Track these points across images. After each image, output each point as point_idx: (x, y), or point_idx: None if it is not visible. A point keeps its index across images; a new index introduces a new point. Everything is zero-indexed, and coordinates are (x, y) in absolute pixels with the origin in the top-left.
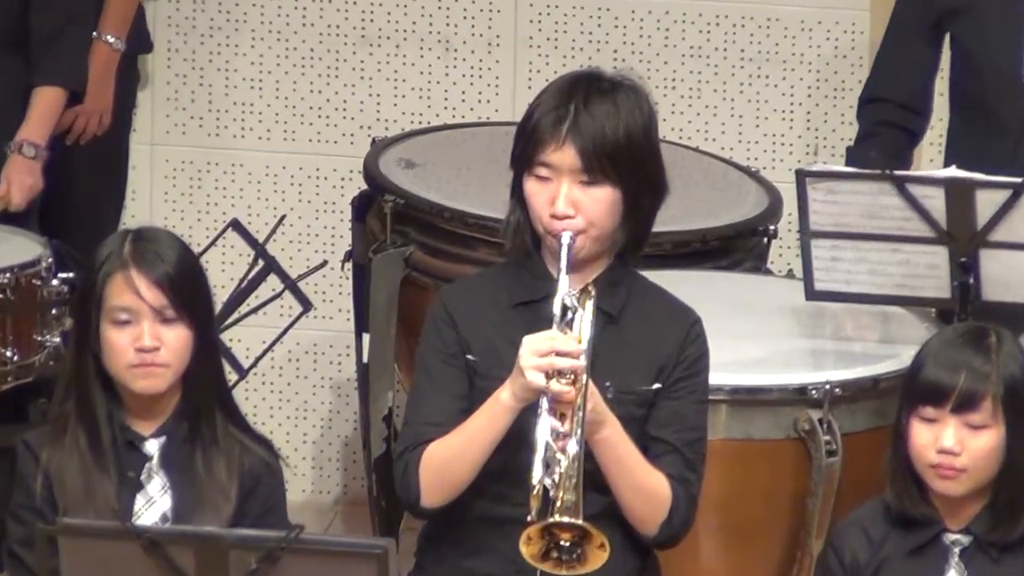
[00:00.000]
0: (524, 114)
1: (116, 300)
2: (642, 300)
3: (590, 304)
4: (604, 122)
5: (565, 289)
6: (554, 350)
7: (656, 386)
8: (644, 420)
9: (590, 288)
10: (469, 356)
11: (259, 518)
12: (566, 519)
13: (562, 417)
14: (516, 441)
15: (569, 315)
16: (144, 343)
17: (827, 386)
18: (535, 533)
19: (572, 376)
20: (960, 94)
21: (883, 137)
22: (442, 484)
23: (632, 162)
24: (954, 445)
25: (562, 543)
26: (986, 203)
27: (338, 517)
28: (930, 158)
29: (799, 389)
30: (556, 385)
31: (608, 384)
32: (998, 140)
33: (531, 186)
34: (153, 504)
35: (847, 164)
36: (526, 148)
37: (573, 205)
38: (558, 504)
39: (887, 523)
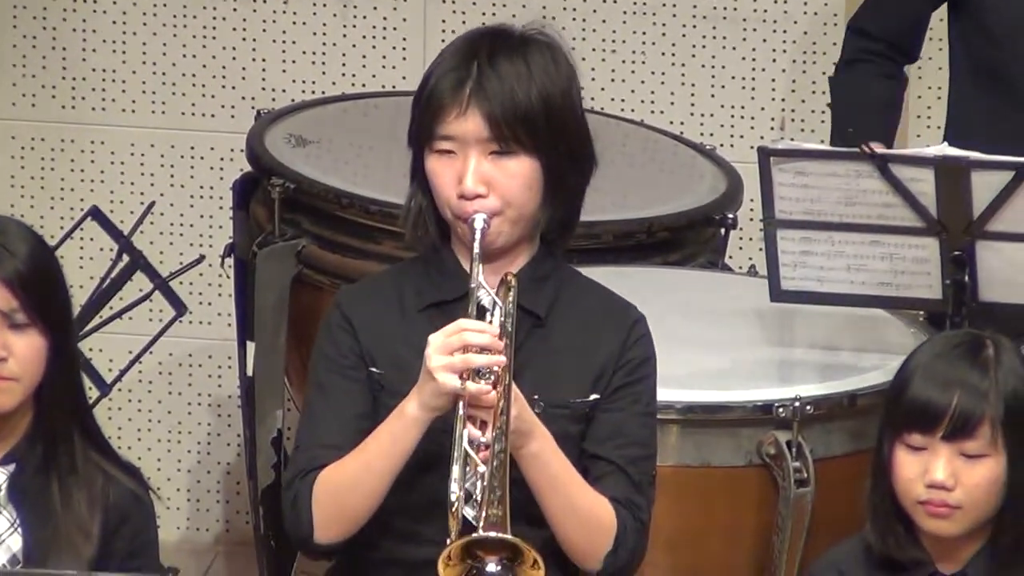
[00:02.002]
0: (421, 80)
1: None
2: (574, 297)
3: (511, 297)
4: (514, 82)
5: (480, 283)
6: (466, 343)
7: (593, 397)
8: (581, 438)
9: (510, 279)
10: (373, 369)
11: (126, 560)
12: (493, 533)
13: (483, 425)
14: (426, 465)
15: (487, 317)
16: None
17: (796, 403)
18: (456, 552)
19: (492, 376)
20: (970, 62)
21: (875, 64)
22: (338, 515)
23: (550, 127)
24: (946, 478)
25: (488, 569)
26: (983, 187)
27: (219, 558)
28: (917, 133)
29: (763, 407)
30: (473, 385)
31: (537, 398)
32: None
33: (433, 164)
34: (0, 544)
35: (833, 97)
36: (424, 119)
37: (484, 182)
38: (482, 522)
39: (868, 566)
